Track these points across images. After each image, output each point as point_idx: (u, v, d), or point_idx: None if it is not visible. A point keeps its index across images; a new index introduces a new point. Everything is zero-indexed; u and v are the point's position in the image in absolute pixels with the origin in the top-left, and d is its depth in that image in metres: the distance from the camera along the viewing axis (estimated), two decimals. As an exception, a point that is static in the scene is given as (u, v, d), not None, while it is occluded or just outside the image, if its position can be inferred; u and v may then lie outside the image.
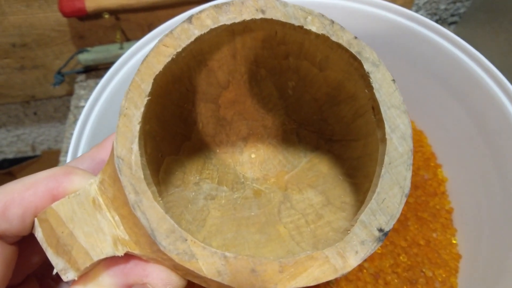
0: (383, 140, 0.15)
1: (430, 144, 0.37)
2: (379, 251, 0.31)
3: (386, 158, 0.15)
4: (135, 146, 0.14)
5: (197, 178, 0.21)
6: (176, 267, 0.14)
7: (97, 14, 0.48)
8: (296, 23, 0.16)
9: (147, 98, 0.15)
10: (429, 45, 0.34)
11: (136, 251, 0.14)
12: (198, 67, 0.19)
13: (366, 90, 0.17)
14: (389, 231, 0.14)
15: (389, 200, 0.15)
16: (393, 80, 0.16)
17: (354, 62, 0.17)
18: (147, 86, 0.15)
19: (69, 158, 0.28)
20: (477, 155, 0.33)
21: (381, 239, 0.14)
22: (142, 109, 0.14)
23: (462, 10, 0.67)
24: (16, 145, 0.73)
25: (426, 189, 0.34)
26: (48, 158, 0.69)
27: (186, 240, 0.13)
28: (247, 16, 0.16)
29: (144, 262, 0.15)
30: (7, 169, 0.70)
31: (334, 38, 0.16)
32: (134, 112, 0.14)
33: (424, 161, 0.36)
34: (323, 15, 0.17)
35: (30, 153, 0.72)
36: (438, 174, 0.35)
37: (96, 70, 0.53)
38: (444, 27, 0.60)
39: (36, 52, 0.57)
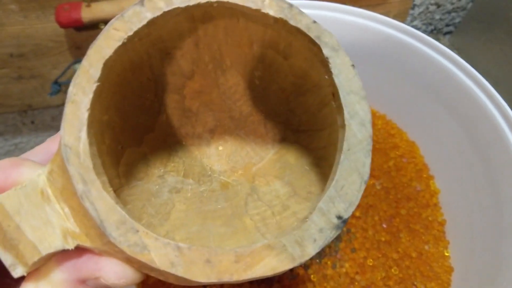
0: (343, 126, 0.15)
1: (422, 155, 0.37)
2: (370, 264, 0.31)
3: (345, 145, 0.15)
4: (83, 134, 0.13)
5: (162, 171, 0.21)
6: (129, 260, 0.14)
7: (93, 25, 0.49)
8: (253, 6, 0.16)
9: (96, 84, 0.14)
10: (421, 57, 0.34)
11: (87, 243, 0.14)
12: (159, 55, 0.19)
13: (326, 76, 0.16)
14: (347, 218, 0.14)
15: (348, 187, 0.15)
16: (353, 65, 0.16)
17: (313, 47, 0.17)
18: (96, 71, 0.14)
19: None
20: (469, 167, 0.33)
21: (340, 226, 0.14)
22: (90, 96, 0.14)
23: (457, 20, 0.67)
24: (14, 154, 0.73)
25: (418, 200, 0.34)
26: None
27: (138, 231, 0.13)
28: None
29: (97, 256, 0.14)
30: (4, 178, 0.70)
31: (292, 22, 0.16)
32: (82, 98, 0.14)
33: (416, 172, 0.36)
34: None
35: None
36: (430, 186, 0.35)
37: (93, 80, 0.54)
38: (439, 37, 0.60)
39: (34, 62, 0.58)
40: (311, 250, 0.14)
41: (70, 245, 0.14)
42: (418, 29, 0.67)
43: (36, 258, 0.14)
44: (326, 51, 0.16)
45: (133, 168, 0.19)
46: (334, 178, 0.14)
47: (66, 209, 0.14)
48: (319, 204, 0.14)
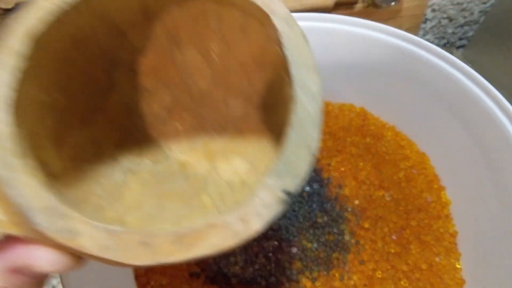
0: (293, 100, 0.15)
1: (433, 166, 0.36)
2: (379, 276, 0.30)
3: (295, 119, 0.14)
4: (3, 115, 0.13)
5: (115, 152, 0.20)
6: (61, 247, 0.13)
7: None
8: None
9: (21, 60, 0.13)
10: (432, 68, 0.34)
11: (15, 232, 0.13)
12: (107, 30, 0.18)
13: (276, 47, 0.16)
14: (295, 193, 0.14)
15: (296, 162, 0.14)
16: (305, 38, 0.16)
17: (267, 19, 0.16)
18: (21, 46, 0.13)
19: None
20: (480, 178, 0.32)
21: (287, 202, 0.14)
22: (14, 73, 0.13)
23: (470, 34, 0.67)
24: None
25: (429, 211, 0.34)
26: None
27: (67, 216, 0.13)
28: None
29: (28, 244, 0.14)
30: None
31: None
32: (3, 76, 0.13)
33: (427, 183, 0.35)
34: None
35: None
36: (441, 197, 0.35)
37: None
38: (452, 50, 0.60)
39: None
40: (257, 226, 0.13)
41: None
42: (430, 43, 0.67)
43: None
44: (279, 24, 0.16)
45: (82, 149, 0.18)
46: (282, 152, 0.14)
47: None
48: (266, 178, 0.14)
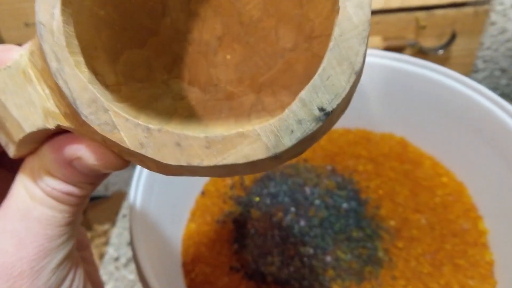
0: (337, 10, 0.14)
1: (471, 196, 0.37)
2: (410, 291, 0.31)
3: (337, 30, 0.13)
4: (57, 11, 0.13)
5: (165, 76, 0.20)
6: (105, 141, 0.14)
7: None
8: None
9: None
10: (477, 107, 0.36)
11: (66, 124, 0.14)
12: None
13: None
14: (331, 111, 0.13)
15: (336, 77, 0.13)
16: None
17: None
18: None
19: (131, 198, 0.31)
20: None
21: (321, 119, 0.13)
22: None
23: (524, 84, 0.67)
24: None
25: (464, 238, 0.34)
26: (117, 199, 0.76)
27: (108, 110, 0.13)
28: None
29: (77, 137, 0.15)
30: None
31: None
32: None
33: (464, 211, 0.36)
34: None
35: (102, 193, 0.80)
36: (478, 225, 0.35)
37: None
38: (508, 102, 0.61)
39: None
40: (287, 141, 0.13)
41: (51, 125, 0.15)
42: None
43: (21, 136, 0.15)
44: None
45: (134, 69, 0.18)
46: (321, 67, 0.13)
47: (47, 90, 0.15)
48: (301, 94, 0.13)
